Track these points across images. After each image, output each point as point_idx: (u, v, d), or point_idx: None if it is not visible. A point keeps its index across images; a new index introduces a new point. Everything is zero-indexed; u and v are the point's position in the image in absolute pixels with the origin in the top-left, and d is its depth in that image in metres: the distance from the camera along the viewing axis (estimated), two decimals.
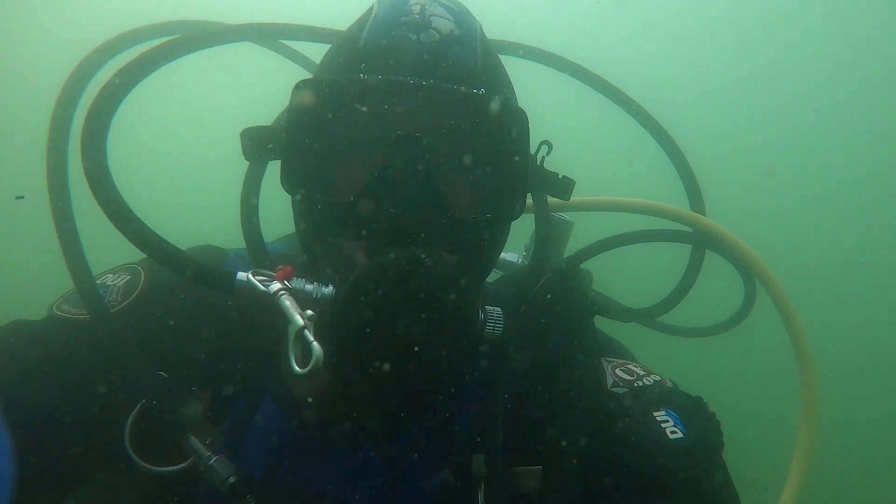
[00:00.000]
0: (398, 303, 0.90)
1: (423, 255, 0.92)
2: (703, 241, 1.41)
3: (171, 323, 1.09)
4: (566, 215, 1.57)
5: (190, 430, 0.99)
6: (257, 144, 1.05)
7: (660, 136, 1.47)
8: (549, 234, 1.20)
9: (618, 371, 1.14)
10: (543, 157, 1.13)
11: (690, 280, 1.47)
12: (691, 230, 1.41)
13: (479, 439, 1.06)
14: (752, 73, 10.60)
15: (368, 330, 0.89)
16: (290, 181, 1.00)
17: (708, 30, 10.27)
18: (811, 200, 10.77)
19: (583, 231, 1.62)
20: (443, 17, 1.05)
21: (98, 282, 1.10)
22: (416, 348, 0.91)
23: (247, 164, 1.11)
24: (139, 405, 0.99)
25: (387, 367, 0.91)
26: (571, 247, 1.58)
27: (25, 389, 0.96)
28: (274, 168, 1.07)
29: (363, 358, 0.90)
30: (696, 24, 10.22)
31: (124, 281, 1.12)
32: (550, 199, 1.19)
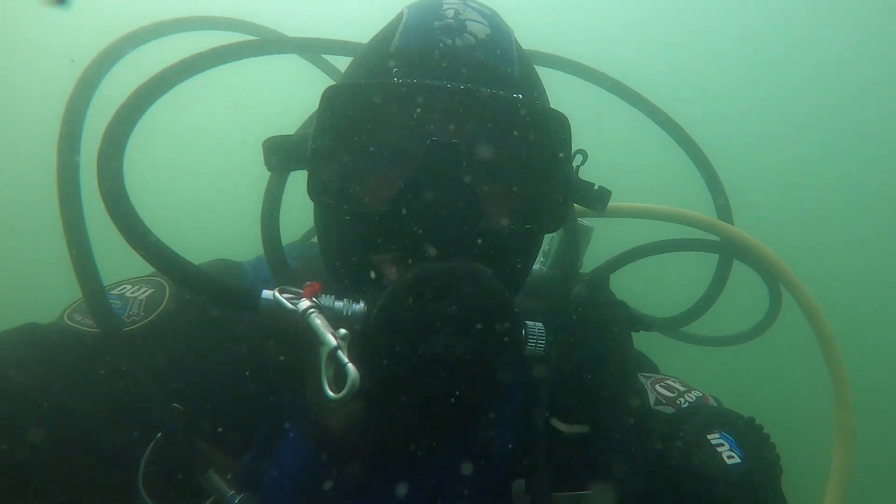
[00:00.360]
0: (439, 318, 0.84)
1: (463, 267, 0.87)
2: (731, 251, 1.38)
3: (195, 345, 1.02)
4: (586, 221, 1.53)
5: (211, 466, 0.92)
6: (281, 154, 0.99)
7: (686, 143, 1.44)
8: (575, 241, 1.16)
9: (658, 387, 1.10)
10: (579, 167, 1.08)
11: (717, 289, 1.44)
12: (718, 239, 1.38)
13: (518, 463, 1.02)
14: (784, 76, 10.42)
15: (407, 348, 0.84)
16: (317, 190, 0.95)
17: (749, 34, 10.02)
18: (841, 204, 10.58)
19: (597, 236, 1.58)
20: (477, 22, 1.00)
21: (115, 291, 1.03)
22: (460, 368, 0.85)
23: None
24: (154, 441, 0.91)
25: (428, 388, 0.85)
26: (589, 252, 1.54)
27: (29, 418, 0.87)
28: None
29: (402, 379, 0.85)
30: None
31: (146, 294, 1.04)
32: (575, 205, 1.15)
